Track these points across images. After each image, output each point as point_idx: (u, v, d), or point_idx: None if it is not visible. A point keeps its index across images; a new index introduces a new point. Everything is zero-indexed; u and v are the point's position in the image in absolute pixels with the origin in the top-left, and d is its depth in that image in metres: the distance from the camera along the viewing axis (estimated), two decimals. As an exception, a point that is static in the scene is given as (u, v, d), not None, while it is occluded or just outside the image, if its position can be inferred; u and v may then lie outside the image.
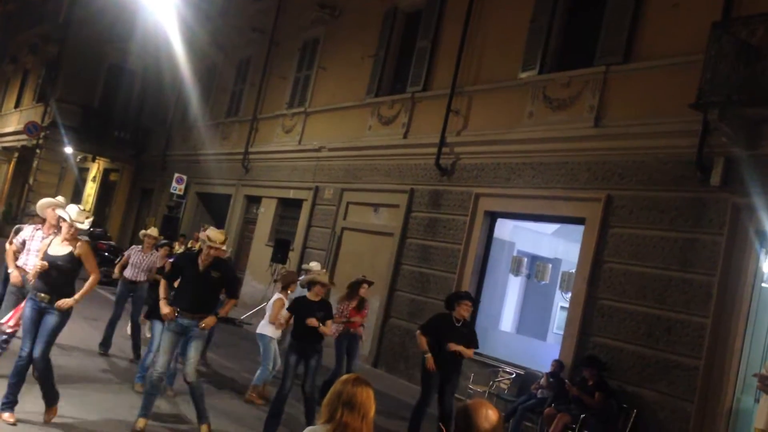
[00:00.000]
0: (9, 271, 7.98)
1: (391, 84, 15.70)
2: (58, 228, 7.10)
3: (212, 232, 7.37)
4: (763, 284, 8.53)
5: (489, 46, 13.08)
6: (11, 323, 7.17)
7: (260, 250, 18.65)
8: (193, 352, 7.10)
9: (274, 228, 18.79)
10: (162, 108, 26.37)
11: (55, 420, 6.58)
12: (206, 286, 7.25)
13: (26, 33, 33.75)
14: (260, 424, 7.56)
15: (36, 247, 7.68)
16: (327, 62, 17.90)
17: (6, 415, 6.31)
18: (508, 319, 13.42)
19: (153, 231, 10.82)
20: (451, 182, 13.11)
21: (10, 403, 6.39)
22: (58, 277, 6.58)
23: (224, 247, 7.65)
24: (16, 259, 7.97)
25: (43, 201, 8.02)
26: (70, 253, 6.63)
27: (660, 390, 8.89)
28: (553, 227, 13.15)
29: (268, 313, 9.32)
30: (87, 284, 6.77)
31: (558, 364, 10.03)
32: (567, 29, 11.97)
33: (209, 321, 7.19)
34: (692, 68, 8.98)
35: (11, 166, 34.39)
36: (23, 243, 7.96)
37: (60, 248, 6.65)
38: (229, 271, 7.66)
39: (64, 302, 6.52)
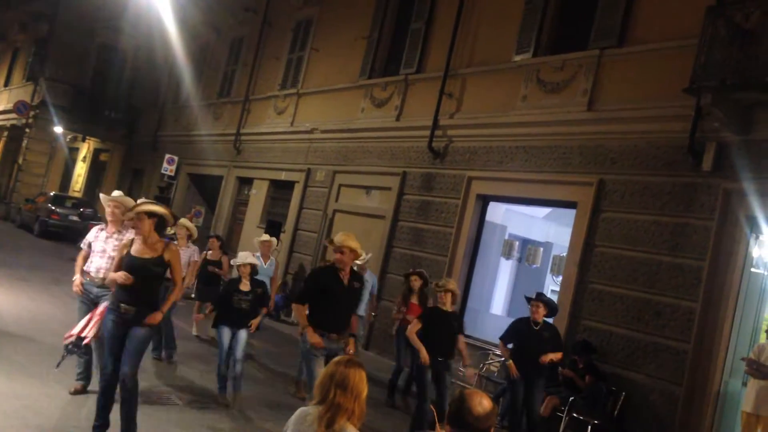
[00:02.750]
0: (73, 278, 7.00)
1: (384, 66, 15.64)
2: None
3: (345, 238, 6.73)
4: (753, 269, 8.57)
5: (483, 28, 13.03)
6: (91, 333, 6.38)
7: (252, 231, 18.60)
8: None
9: (266, 210, 18.76)
10: (153, 88, 26.21)
11: None
12: (348, 303, 6.78)
13: (16, 10, 33.38)
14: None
15: (100, 248, 6.86)
16: (320, 43, 17.80)
17: None
18: (498, 303, 13.47)
19: (185, 221, 10.31)
20: (444, 165, 13.09)
21: (101, 427, 5.78)
22: (144, 285, 5.75)
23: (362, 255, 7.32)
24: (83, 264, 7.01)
25: (104, 196, 7.20)
26: (160, 257, 5.82)
27: (649, 373, 8.95)
28: (544, 211, 13.16)
29: None
30: (173, 294, 6.21)
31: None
32: (561, 12, 11.93)
33: (352, 346, 6.60)
34: (686, 52, 8.96)
35: (0, 145, 34.17)
36: (89, 246, 7.01)
37: (145, 251, 5.81)
38: (362, 282, 7.19)
39: (154, 317, 5.79)
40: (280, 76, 19.24)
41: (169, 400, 7.62)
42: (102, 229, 7.07)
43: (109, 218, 6.99)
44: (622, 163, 10.01)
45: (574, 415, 8.86)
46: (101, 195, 7.37)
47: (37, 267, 15.56)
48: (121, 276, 5.65)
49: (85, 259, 6.98)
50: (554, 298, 10.94)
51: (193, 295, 11.81)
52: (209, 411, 7.50)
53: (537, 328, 8.12)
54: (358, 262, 8.96)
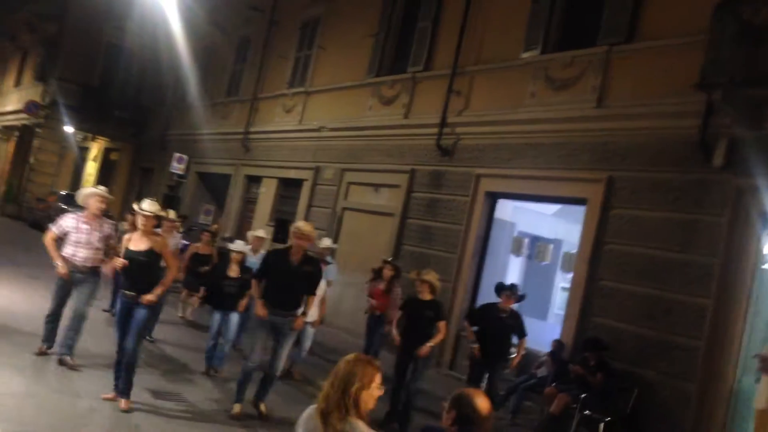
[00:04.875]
0: (55, 263, 7.82)
1: (391, 64, 15.62)
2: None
3: (301, 224, 7.47)
4: (765, 266, 8.52)
5: (491, 25, 13.00)
6: None
7: (261, 229, 18.62)
8: (283, 350, 7.36)
9: (274, 208, 18.78)
10: (162, 87, 26.22)
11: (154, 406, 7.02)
12: (298, 283, 7.37)
13: (24, 11, 33.48)
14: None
15: (84, 239, 7.78)
16: (327, 42, 17.80)
17: (123, 402, 6.69)
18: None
19: (171, 214, 10.94)
20: (452, 163, 13.08)
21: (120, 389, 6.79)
22: (140, 272, 6.84)
23: (316, 239, 7.89)
24: (58, 248, 7.85)
25: (87, 190, 8.13)
26: (150, 249, 6.89)
27: (661, 370, 8.92)
28: (554, 208, 13.13)
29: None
30: (166, 279, 7.05)
31: (558, 344, 10.07)
32: (569, 9, 11.88)
33: (299, 323, 7.47)
34: (696, 48, 8.91)
35: (12, 145, 34.31)
36: (65, 233, 7.84)
37: (139, 243, 6.88)
38: (317, 267, 7.77)
39: (147, 298, 6.82)
40: (287, 75, 19.25)
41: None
42: (83, 222, 7.82)
43: (95, 212, 7.82)
44: (631, 159, 9.97)
45: (586, 412, 8.84)
46: (90, 189, 8.19)
47: (48, 265, 15.55)
48: (117, 263, 6.96)
49: (56, 243, 7.78)
50: (564, 295, 10.95)
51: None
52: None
53: (503, 316, 8.65)
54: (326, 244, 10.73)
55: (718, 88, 8.28)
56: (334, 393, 3.32)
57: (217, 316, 9.04)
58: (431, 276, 8.39)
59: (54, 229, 7.83)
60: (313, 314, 8.91)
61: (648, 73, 9.97)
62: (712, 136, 8.83)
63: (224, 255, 9.98)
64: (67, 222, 7.85)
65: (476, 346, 8.90)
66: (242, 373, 7.38)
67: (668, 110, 9.45)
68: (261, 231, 11.75)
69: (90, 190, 8.14)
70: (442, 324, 8.28)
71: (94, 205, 7.84)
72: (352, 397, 3.28)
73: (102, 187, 8.29)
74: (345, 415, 3.27)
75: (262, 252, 11.63)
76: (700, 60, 8.53)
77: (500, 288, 9.23)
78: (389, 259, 11.00)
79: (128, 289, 6.89)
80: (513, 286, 9.32)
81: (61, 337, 7.88)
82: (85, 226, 7.82)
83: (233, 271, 9.11)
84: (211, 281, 9.43)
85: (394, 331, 8.47)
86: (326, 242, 11.42)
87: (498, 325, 8.90)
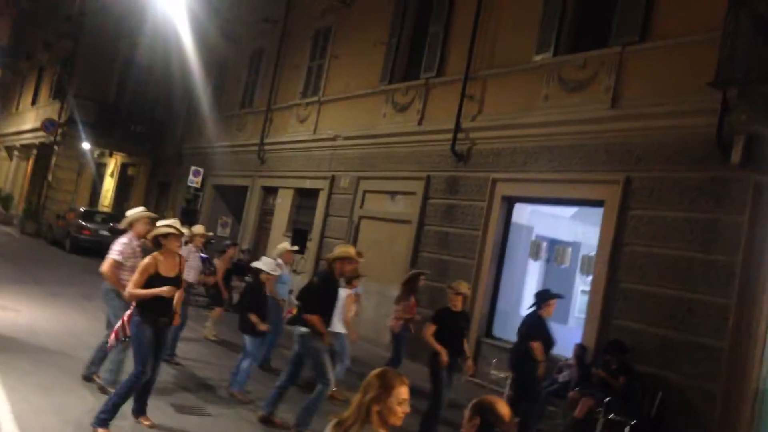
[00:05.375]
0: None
1: (404, 70, 15.64)
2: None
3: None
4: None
5: (502, 29, 12.98)
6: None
7: (278, 240, 18.63)
8: None
9: (291, 218, 18.82)
10: (176, 101, 26.40)
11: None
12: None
13: (40, 30, 33.95)
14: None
15: (136, 264, 7.03)
16: (340, 51, 17.85)
17: (142, 419, 6.65)
18: (528, 304, 13.35)
19: (199, 229, 10.96)
20: (468, 168, 13.05)
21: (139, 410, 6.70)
22: (172, 299, 6.58)
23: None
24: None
25: (133, 213, 7.77)
26: (179, 274, 6.68)
27: (684, 372, 8.82)
28: (571, 210, 13.04)
29: (340, 311, 8.94)
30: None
31: (580, 348, 9.99)
32: (581, 10, 11.84)
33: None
34: (710, 45, 8.85)
35: (30, 163, 34.69)
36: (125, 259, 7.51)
37: (169, 269, 6.54)
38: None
39: (176, 320, 6.86)
40: (301, 85, 19.32)
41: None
42: (137, 246, 7.57)
43: (140, 234, 7.54)
44: (648, 159, 9.90)
45: (611, 416, 8.76)
46: (137, 212, 7.83)
47: (69, 282, 15.77)
48: (170, 290, 6.40)
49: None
50: (584, 298, 10.87)
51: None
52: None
53: (456, 316, 8.44)
54: None
55: (734, 84, 8.22)
56: (355, 406, 3.33)
57: (251, 342, 8.65)
58: (465, 288, 8.38)
59: (117, 257, 7.46)
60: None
61: (662, 72, 9.90)
62: (729, 133, 8.74)
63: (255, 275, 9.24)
64: (125, 248, 7.50)
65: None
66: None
67: (684, 109, 9.37)
68: (287, 243, 11.60)
69: (137, 213, 7.80)
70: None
71: (143, 228, 7.56)
72: (366, 408, 3.28)
73: (142, 208, 8.07)
74: (360, 427, 3.27)
75: (291, 267, 11.60)
76: (715, 57, 8.47)
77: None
78: (425, 271, 11.11)
79: (163, 316, 6.48)
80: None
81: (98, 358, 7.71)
82: (138, 250, 7.58)
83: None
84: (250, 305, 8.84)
85: (439, 347, 7.94)
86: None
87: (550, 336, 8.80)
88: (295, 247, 11.70)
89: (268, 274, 8.92)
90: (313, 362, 7.39)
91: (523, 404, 8.45)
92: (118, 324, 6.69)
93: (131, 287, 6.40)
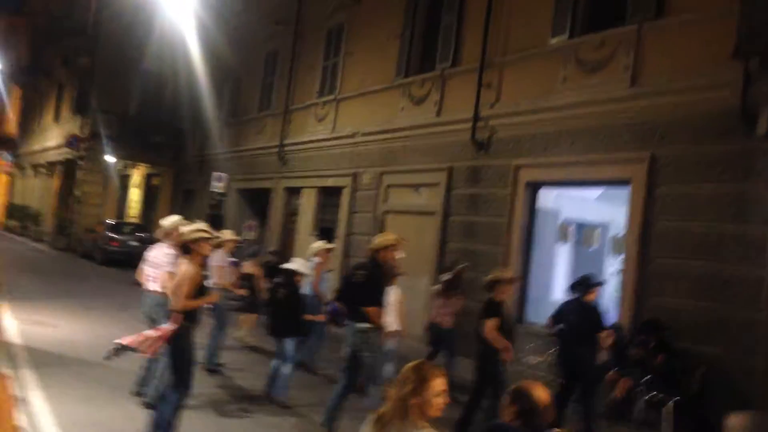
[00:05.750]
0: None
1: (419, 63, 15.61)
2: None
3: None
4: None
5: (516, 14, 12.90)
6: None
7: (305, 240, 18.75)
8: None
9: (316, 217, 18.90)
10: (196, 109, 26.58)
11: None
12: None
13: (57, 47, 34.30)
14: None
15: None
16: (353, 47, 17.87)
17: None
18: (559, 288, 13.30)
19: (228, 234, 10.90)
20: (489, 156, 13.01)
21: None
22: None
23: None
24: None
25: (176, 221, 7.69)
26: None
27: (722, 346, 8.74)
28: (597, 192, 12.96)
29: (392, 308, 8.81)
30: None
31: (615, 329, 9.92)
32: (595, -11, 11.75)
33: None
34: (729, 17, 8.75)
35: (57, 180, 35.14)
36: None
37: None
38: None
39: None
40: (317, 84, 19.38)
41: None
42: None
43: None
44: (672, 136, 9.80)
45: (651, 394, 8.71)
46: (172, 220, 7.79)
47: (102, 294, 16.00)
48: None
49: None
50: (616, 279, 10.81)
51: None
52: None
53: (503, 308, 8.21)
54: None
55: (755, 55, 8.14)
56: (393, 400, 3.36)
57: (290, 345, 8.47)
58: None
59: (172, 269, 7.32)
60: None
61: (681, 47, 9.79)
62: (754, 104, 8.63)
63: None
64: (172, 258, 7.33)
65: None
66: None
67: (706, 82, 9.27)
68: (321, 242, 11.31)
69: (173, 222, 7.75)
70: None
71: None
72: (404, 402, 3.31)
73: (177, 217, 8.02)
74: (400, 421, 3.30)
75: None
76: (734, 29, 8.37)
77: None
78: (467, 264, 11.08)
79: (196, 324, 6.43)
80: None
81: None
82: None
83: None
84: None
85: (506, 343, 7.68)
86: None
87: None
88: (332, 245, 11.59)
89: (302, 274, 8.82)
90: (370, 361, 7.00)
91: (580, 391, 8.28)
92: (154, 336, 6.28)
93: (184, 299, 6.08)
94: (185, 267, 6.22)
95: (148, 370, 7.55)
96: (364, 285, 7.15)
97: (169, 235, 7.65)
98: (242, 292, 11.51)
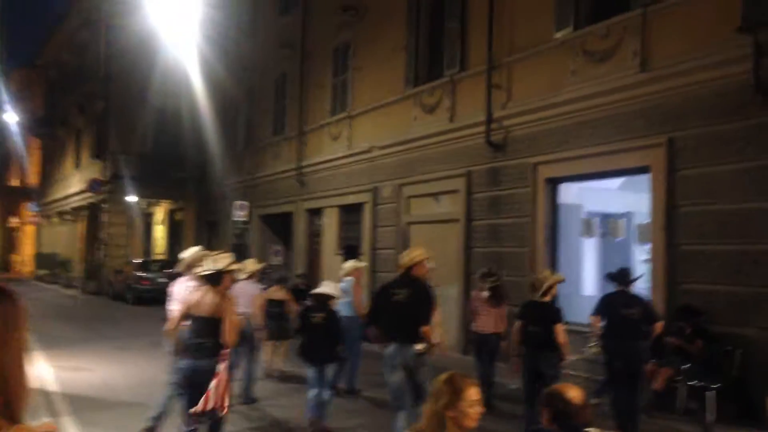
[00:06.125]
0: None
1: (427, 71, 15.60)
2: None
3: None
4: None
5: (518, 12, 12.86)
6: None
7: (331, 260, 18.77)
8: None
9: (339, 236, 18.89)
10: (210, 140, 26.79)
11: None
12: None
13: (71, 95, 34.89)
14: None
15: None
16: (361, 63, 17.92)
17: None
18: (589, 283, 13.16)
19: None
20: (506, 157, 12.93)
21: None
22: None
23: None
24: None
25: (196, 253, 7.53)
26: None
27: (760, 325, 8.57)
28: (618, 182, 12.81)
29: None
30: None
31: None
32: (595, -21, 11.68)
33: None
34: (732, -9, 8.63)
35: (83, 224, 35.59)
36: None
37: None
38: None
39: None
40: (328, 103, 19.44)
41: None
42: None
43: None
44: (688, 117, 9.67)
45: (692, 383, 8.55)
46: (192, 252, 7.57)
47: (135, 334, 16.08)
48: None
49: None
50: (645, 267, 10.65)
51: None
52: None
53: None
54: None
55: (763, 26, 7.99)
56: (429, 415, 3.32)
57: (310, 372, 8.14)
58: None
59: None
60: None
61: (688, 27, 9.68)
62: (767, 76, 8.49)
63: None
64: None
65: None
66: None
67: (716, 60, 9.15)
68: (352, 261, 11.02)
69: (194, 254, 7.58)
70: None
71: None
72: (439, 416, 3.26)
73: (197, 248, 7.92)
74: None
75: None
76: (739, 2, 8.25)
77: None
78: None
79: None
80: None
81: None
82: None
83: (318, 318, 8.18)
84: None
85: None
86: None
87: None
88: (364, 263, 11.45)
89: (335, 297, 8.45)
90: (421, 381, 6.64)
91: (630, 387, 7.84)
92: (217, 386, 5.93)
93: (236, 332, 5.98)
94: (229, 303, 6.05)
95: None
96: (412, 304, 6.78)
97: (190, 267, 7.55)
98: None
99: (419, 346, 6.68)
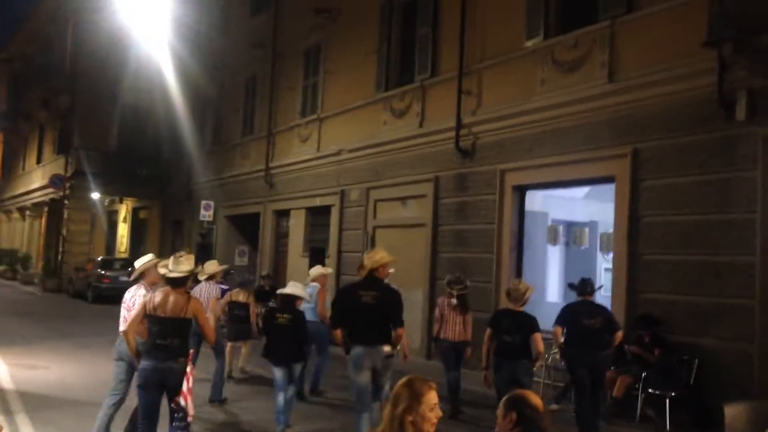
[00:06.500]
0: None
1: (398, 76, 15.63)
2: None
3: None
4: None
5: (490, 20, 12.95)
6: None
7: (297, 261, 18.70)
8: None
9: (306, 238, 18.82)
10: (178, 139, 26.55)
11: None
12: None
13: (35, 89, 34.25)
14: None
15: None
16: (332, 65, 17.89)
17: None
18: (553, 290, 13.29)
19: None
20: (474, 163, 13.00)
21: None
22: None
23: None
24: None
25: (149, 261, 7.23)
26: None
27: (718, 336, 8.71)
28: (584, 190, 12.98)
29: None
30: None
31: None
32: (565, -10, 11.81)
33: None
34: (699, 5, 8.80)
35: (43, 221, 34.99)
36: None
37: None
38: None
39: None
40: (298, 105, 19.38)
41: None
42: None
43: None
44: (653, 128, 9.82)
45: (650, 390, 8.66)
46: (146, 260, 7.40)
47: (95, 333, 15.79)
48: None
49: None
50: (608, 276, 10.76)
51: None
52: None
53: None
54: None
55: (728, 41, 8.15)
56: (389, 419, 3.29)
57: (278, 373, 8.05)
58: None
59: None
60: None
61: (655, 39, 9.83)
62: (731, 90, 8.66)
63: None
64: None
65: None
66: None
67: (681, 73, 9.30)
68: (320, 267, 11.06)
69: (147, 262, 7.26)
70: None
71: (155, 275, 6.98)
72: (398, 420, 3.23)
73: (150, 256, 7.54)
74: None
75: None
76: (705, 17, 8.40)
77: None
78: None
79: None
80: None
81: None
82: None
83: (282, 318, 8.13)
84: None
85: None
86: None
87: None
88: (330, 270, 11.42)
89: (301, 298, 8.43)
90: (384, 384, 6.71)
91: (594, 395, 7.89)
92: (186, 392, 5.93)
93: (213, 330, 6.00)
94: (200, 303, 6.08)
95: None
96: (381, 306, 6.76)
97: (143, 275, 7.29)
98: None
99: (388, 348, 6.66)
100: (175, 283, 6.02)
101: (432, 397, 3.31)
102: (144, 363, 5.92)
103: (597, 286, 8.45)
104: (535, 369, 7.81)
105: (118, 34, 24.36)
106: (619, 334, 8.03)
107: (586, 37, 10.92)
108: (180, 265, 6.08)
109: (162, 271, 6.23)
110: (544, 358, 10.10)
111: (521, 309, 7.70)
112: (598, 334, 7.78)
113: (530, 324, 7.54)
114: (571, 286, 8.52)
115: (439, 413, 3.32)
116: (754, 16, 7.92)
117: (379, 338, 6.68)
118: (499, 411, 3.36)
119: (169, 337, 5.86)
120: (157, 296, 5.99)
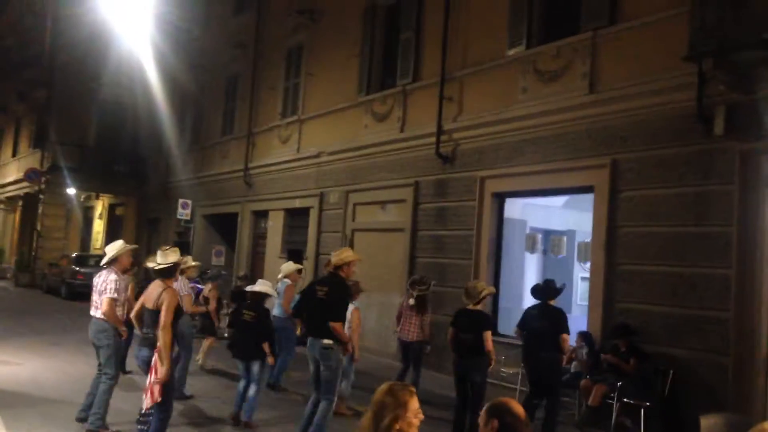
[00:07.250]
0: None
1: (380, 80, 15.64)
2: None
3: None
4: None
5: (473, 27, 13.00)
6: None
7: (274, 263, 18.60)
8: None
9: (284, 239, 18.76)
10: (157, 136, 26.35)
11: None
12: None
13: (11, 82, 33.75)
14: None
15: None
16: (314, 67, 17.85)
17: None
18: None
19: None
20: (455, 169, 13.04)
21: None
22: None
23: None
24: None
25: (121, 246, 7.73)
26: None
27: (693, 347, 8.80)
28: (562, 200, 13.06)
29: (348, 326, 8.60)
30: None
31: (584, 336, 9.95)
32: (549, 0, 11.88)
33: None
34: (680, 20, 8.89)
35: (17, 215, 34.51)
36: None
37: None
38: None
39: None
40: (279, 106, 19.31)
41: None
42: (124, 280, 7.69)
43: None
44: (632, 140, 9.91)
45: (625, 400, 8.73)
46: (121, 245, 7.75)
47: (68, 330, 15.62)
48: None
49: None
50: (585, 285, 10.84)
51: None
52: None
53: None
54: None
55: (708, 56, 8.24)
56: (369, 427, 3.28)
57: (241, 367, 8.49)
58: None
59: (114, 296, 7.44)
60: None
61: (636, 52, 9.92)
62: (710, 105, 8.76)
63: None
64: (118, 284, 7.50)
65: None
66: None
67: (662, 86, 9.40)
68: (292, 264, 11.24)
69: (119, 248, 7.72)
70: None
71: (127, 261, 7.70)
72: (387, 429, 3.24)
73: (121, 242, 8.00)
74: None
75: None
76: (686, 31, 8.49)
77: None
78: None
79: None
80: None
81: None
82: (124, 285, 7.76)
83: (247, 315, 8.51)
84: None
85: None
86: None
87: None
88: (301, 266, 11.62)
89: (268, 296, 8.85)
90: (330, 376, 6.99)
91: (548, 399, 8.32)
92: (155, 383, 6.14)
93: (168, 329, 6.11)
94: (171, 295, 6.28)
95: (92, 396, 7.60)
96: (327, 300, 7.09)
97: (115, 261, 7.57)
98: (202, 309, 11.47)
99: (327, 341, 6.97)
100: (164, 274, 6.42)
101: (415, 402, 3.34)
102: (140, 351, 6.53)
103: (557, 289, 8.63)
104: (491, 367, 7.99)
105: (98, 29, 24.05)
106: (565, 337, 8.21)
107: (567, 48, 11.00)
108: (167, 256, 6.48)
109: (150, 265, 6.56)
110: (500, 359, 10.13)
111: (477, 307, 7.93)
112: (544, 336, 8.13)
113: (481, 321, 7.82)
114: (532, 290, 8.83)
115: (422, 416, 3.35)
116: (733, 32, 8.00)
117: (320, 331, 7.01)
118: (480, 419, 3.37)
119: (151, 328, 6.32)
120: (149, 288, 6.50)
